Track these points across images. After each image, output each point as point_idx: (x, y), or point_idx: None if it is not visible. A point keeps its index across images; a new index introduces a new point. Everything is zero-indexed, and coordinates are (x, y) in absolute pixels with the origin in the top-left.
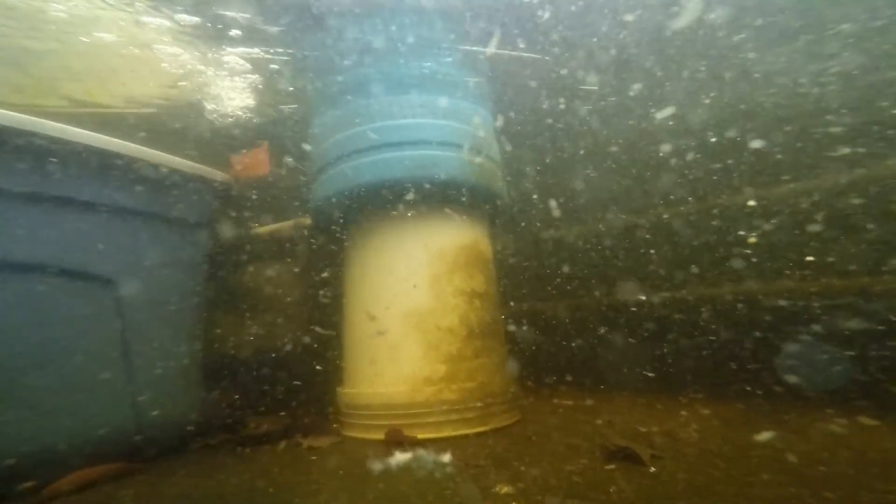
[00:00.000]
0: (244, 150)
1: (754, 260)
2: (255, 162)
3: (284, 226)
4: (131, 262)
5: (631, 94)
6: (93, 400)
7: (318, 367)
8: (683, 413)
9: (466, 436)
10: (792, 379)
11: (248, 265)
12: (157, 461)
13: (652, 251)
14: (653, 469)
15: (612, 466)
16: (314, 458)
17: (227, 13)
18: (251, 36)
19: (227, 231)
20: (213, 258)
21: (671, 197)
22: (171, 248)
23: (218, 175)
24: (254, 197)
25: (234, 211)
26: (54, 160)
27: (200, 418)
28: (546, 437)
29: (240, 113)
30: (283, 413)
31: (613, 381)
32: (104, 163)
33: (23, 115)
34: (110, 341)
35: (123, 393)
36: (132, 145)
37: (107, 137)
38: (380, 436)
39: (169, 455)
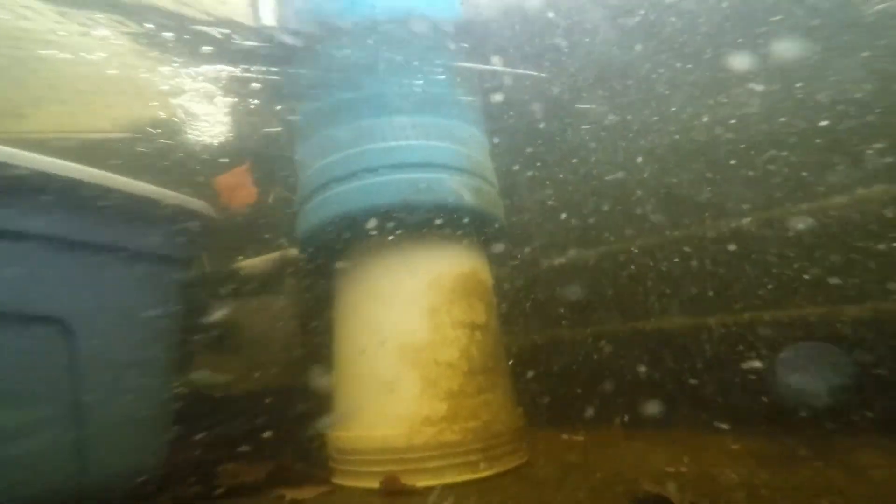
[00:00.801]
0: (226, 173)
1: (781, 286)
2: (241, 187)
3: (270, 258)
4: (88, 301)
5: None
6: (32, 453)
7: (305, 408)
8: (712, 450)
9: (470, 481)
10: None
11: (231, 300)
12: None
13: (670, 275)
14: None
15: None
16: None
17: (202, 28)
18: (228, 53)
19: (206, 264)
20: (191, 293)
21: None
22: (139, 284)
23: (197, 204)
24: (237, 227)
25: (216, 242)
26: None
27: (168, 468)
28: (561, 481)
29: (219, 136)
30: (264, 460)
31: (626, 415)
32: (57, 190)
33: None
34: (58, 387)
35: (70, 443)
36: (91, 170)
37: (61, 162)
38: (375, 484)
39: None
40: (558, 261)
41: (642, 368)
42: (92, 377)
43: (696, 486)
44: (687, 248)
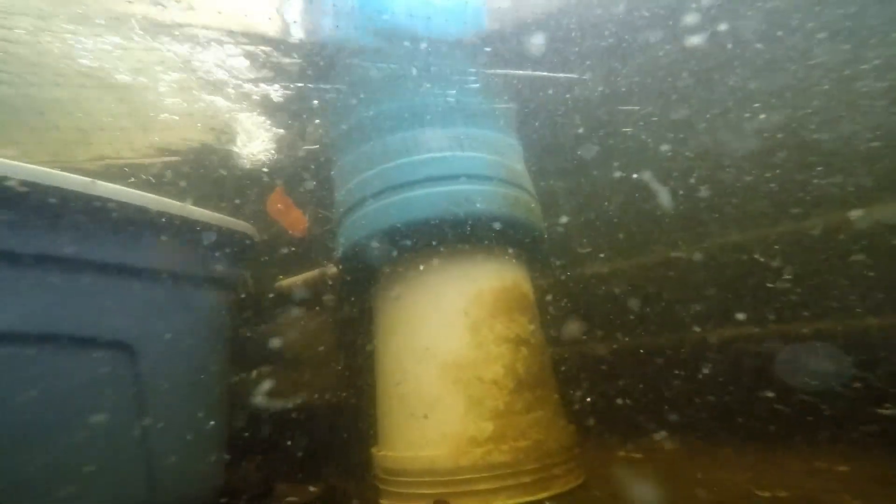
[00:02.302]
0: (279, 205)
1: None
2: (290, 210)
3: (310, 276)
4: (148, 326)
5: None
6: (104, 476)
7: (353, 427)
8: (810, 471)
9: None
10: None
11: (274, 320)
12: None
13: (745, 279)
14: None
15: None
16: None
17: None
18: (268, 71)
19: (251, 285)
20: (237, 314)
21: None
22: (191, 308)
23: (241, 226)
24: (280, 249)
25: (259, 263)
26: (65, 216)
27: (225, 488)
28: None
29: (261, 156)
30: (315, 480)
31: (695, 430)
32: (117, 218)
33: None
34: (126, 411)
35: (139, 466)
36: (148, 196)
37: (120, 188)
38: None
39: None
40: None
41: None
42: (155, 399)
43: None
44: None
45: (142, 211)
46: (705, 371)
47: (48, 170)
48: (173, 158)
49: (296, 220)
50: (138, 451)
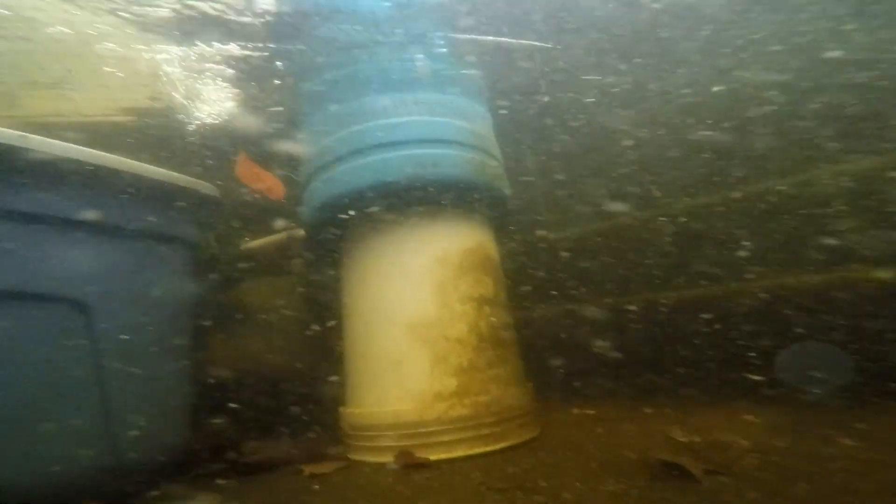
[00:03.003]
0: (249, 172)
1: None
2: (268, 184)
3: (277, 238)
4: (104, 283)
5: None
6: (60, 435)
7: (321, 386)
8: (723, 421)
9: (483, 455)
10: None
11: (241, 281)
12: (141, 497)
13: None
14: (708, 486)
15: (659, 485)
16: (317, 487)
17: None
18: (227, 30)
19: (216, 246)
20: (203, 275)
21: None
22: (149, 265)
23: (201, 186)
24: (245, 209)
25: (225, 224)
26: (16, 172)
27: (191, 447)
28: (575, 453)
29: (220, 117)
30: (283, 437)
31: (635, 388)
32: (74, 175)
33: None
34: (81, 369)
35: (97, 425)
36: (104, 154)
37: (75, 146)
38: (389, 458)
39: (154, 489)
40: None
41: (651, 342)
42: (113, 357)
43: (708, 454)
44: None
45: (90, 166)
46: (651, 331)
47: None
48: (129, 118)
49: (271, 185)
50: (95, 409)
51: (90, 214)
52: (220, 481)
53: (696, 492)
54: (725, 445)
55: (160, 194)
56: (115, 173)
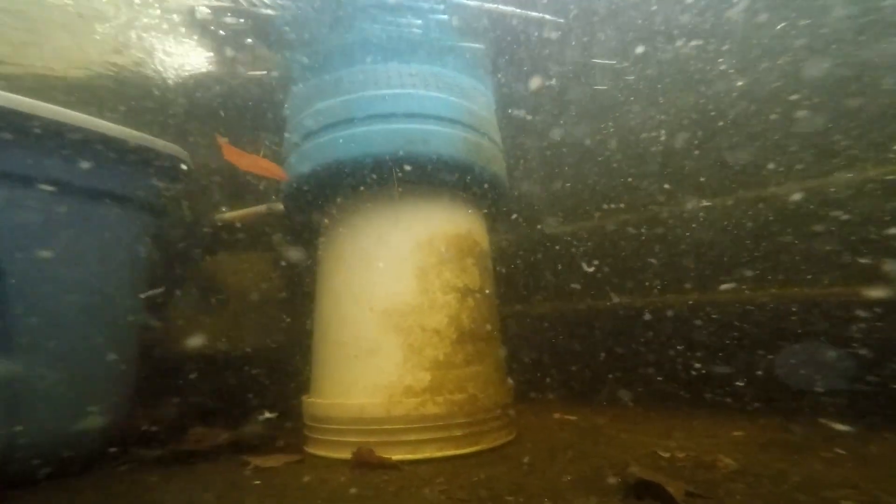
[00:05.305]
0: (243, 158)
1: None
2: (265, 166)
3: (255, 210)
4: (21, 240)
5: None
6: None
7: (285, 372)
8: (709, 434)
9: (450, 458)
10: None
11: (209, 253)
12: (48, 483)
13: (672, 249)
14: None
15: None
16: (257, 482)
17: None
18: None
19: (183, 214)
20: (164, 244)
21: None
22: (88, 228)
23: (168, 147)
24: (220, 178)
25: (196, 192)
26: None
27: (124, 430)
28: (548, 463)
29: (195, 79)
30: (235, 424)
31: (622, 395)
32: None
33: None
34: None
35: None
36: (24, 100)
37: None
38: (348, 455)
39: (71, 476)
40: None
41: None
42: (26, 321)
43: (691, 472)
44: None
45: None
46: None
47: None
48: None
49: (267, 167)
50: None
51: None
52: (146, 471)
53: None
54: (710, 465)
55: (103, 150)
56: (31, 119)
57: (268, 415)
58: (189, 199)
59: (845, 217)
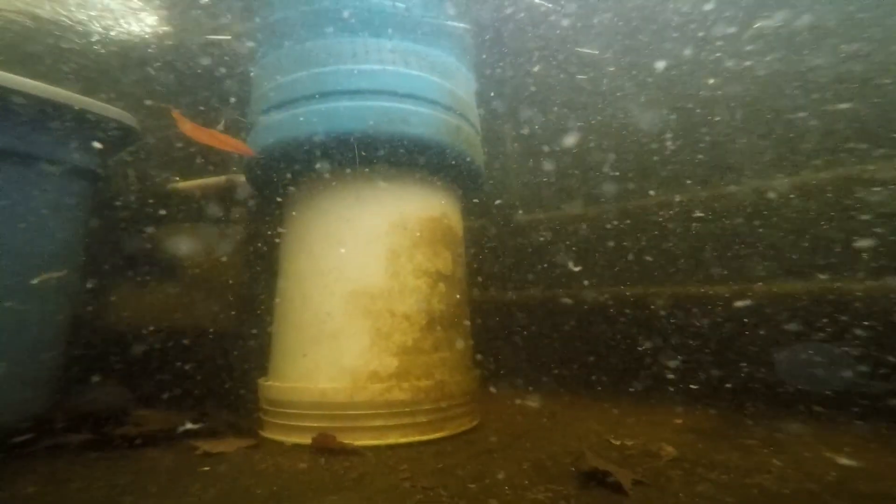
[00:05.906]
0: (202, 133)
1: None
2: (229, 141)
3: (214, 182)
4: None
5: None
6: None
7: (240, 353)
8: (655, 423)
9: (414, 444)
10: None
11: (159, 225)
12: None
13: (634, 243)
14: (635, 497)
15: (586, 495)
16: (206, 468)
17: None
18: None
19: (132, 182)
20: (109, 214)
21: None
22: (20, 195)
23: (110, 111)
24: (175, 146)
25: (147, 160)
26: None
27: (53, 414)
28: (509, 450)
29: (144, 39)
30: (186, 407)
31: (579, 384)
32: None
33: None
34: None
35: None
36: None
37: None
38: (307, 440)
39: None
40: None
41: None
42: None
43: (637, 459)
44: None
45: None
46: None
47: None
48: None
49: (229, 141)
50: None
51: None
52: (70, 458)
53: (620, 502)
54: (654, 453)
55: (30, 111)
56: None
57: (220, 398)
58: (136, 166)
59: None
